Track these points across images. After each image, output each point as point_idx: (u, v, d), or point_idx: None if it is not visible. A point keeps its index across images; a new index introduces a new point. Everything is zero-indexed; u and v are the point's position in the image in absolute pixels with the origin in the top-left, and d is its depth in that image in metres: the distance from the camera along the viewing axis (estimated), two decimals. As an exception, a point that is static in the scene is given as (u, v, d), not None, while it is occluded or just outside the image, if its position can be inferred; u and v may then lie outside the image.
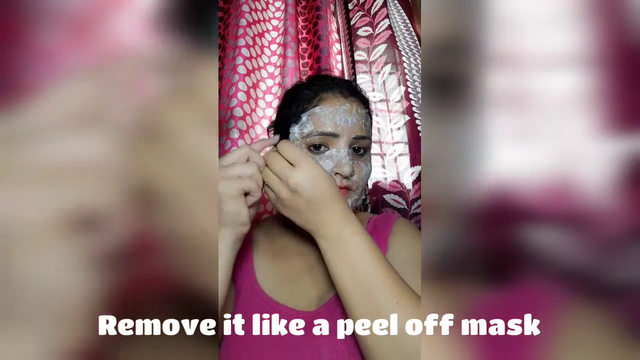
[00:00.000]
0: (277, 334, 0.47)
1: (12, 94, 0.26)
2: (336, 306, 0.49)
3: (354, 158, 0.51)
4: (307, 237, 0.56)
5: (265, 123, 0.93)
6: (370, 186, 0.87)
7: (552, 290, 0.28)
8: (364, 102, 0.55)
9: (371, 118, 0.56)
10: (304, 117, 0.51)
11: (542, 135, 0.29)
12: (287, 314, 0.49)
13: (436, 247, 0.31)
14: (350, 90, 0.54)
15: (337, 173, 0.49)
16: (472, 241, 0.30)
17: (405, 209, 0.85)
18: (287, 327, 0.47)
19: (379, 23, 1.02)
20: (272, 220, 0.62)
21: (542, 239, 0.28)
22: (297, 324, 0.47)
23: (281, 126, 0.54)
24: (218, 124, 0.75)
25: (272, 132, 0.57)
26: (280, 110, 0.56)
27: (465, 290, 0.30)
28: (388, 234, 0.54)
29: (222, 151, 0.83)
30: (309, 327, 0.47)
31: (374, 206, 0.86)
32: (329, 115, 0.50)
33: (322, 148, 0.50)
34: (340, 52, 1.09)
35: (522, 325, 0.28)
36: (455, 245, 0.31)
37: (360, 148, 0.52)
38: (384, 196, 0.86)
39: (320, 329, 0.46)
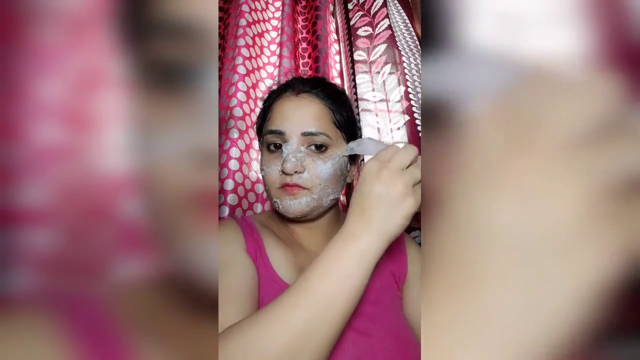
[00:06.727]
0: None
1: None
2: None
3: (309, 156, 0.48)
4: (303, 232, 0.55)
5: (265, 123, 0.93)
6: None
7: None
8: (327, 98, 0.51)
9: (337, 114, 0.52)
10: (267, 118, 0.52)
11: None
12: None
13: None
14: (304, 87, 0.52)
15: (281, 171, 0.48)
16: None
17: (405, 209, 0.84)
18: None
19: (378, 23, 1.02)
20: (267, 216, 0.60)
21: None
22: None
23: (259, 127, 0.56)
24: (218, 123, 0.75)
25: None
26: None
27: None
28: (404, 245, 0.56)
29: (222, 151, 0.83)
30: None
31: (373, 206, 0.85)
32: (277, 114, 0.50)
33: (282, 147, 0.49)
34: (339, 53, 1.09)
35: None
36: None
37: (322, 145, 0.49)
38: (383, 196, 0.85)
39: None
